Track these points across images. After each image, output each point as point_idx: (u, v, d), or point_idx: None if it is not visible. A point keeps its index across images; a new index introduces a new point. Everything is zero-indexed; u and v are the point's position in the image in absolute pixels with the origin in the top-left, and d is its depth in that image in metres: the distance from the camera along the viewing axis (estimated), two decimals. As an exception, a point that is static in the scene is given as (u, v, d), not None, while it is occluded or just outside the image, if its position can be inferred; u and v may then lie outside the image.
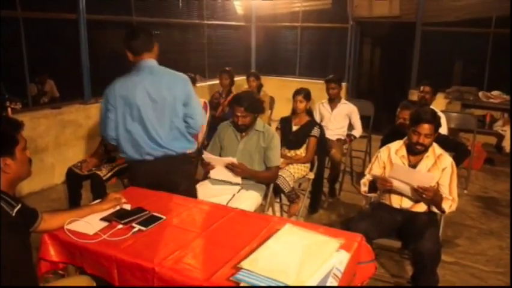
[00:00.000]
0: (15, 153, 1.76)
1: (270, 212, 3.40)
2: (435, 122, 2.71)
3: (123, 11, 5.84)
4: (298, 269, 1.73)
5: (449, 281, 3.14)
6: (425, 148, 2.78)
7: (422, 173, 2.75)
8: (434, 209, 2.83)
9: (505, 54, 6.34)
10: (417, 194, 2.69)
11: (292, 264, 1.77)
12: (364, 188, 3.02)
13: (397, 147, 2.93)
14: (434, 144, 2.84)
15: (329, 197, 4.66)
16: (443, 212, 2.81)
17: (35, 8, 4.72)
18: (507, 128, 5.93)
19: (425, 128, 2.69)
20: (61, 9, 5.02)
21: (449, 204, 2.77)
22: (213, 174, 3.16)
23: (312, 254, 1.84)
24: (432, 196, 2.64)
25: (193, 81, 4.68)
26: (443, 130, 3.91)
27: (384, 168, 2.95)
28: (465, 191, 4.85)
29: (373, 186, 2.93)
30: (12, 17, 4.44)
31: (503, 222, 4.14)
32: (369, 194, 3.04)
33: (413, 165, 2.84)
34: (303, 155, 3.88)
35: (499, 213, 4.36)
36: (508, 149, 5.90)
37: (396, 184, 2.77)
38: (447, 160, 2.81)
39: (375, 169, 2.99)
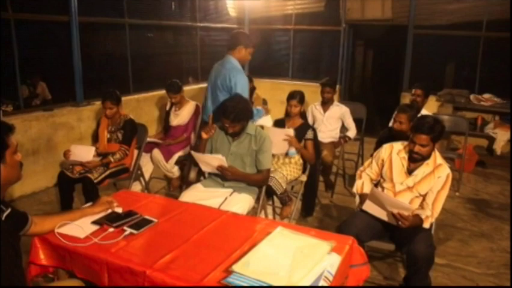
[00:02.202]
0: (5, 157, 1.74)
1: (262, 215, 3.39)
2: (433, 133, 2.68)
3: (115, 13, 5.82)
4: (290, 272, 1.74)
5: (441, 282, 3.16)
6: (422, 157, 2.78)
7: (401, 203, 2.70)
8: None
9: (496, 57, 6.41)
10: (395, 220, 2.67)
11: (283, 267, 1.77)
12: (353, 190, 3.04)
13: (400, 147, 2.94)
14: (437, 154, 2.84)
15: (328, 189, 4.82)
16: None
17: (26, 9, 4.69)
18: (498, 131, 5.97)
19: (421, 138, 2.69)
20: (53, 11, 4.99)
21: (428, 221, 2.75)
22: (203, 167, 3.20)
23: (303, 257, 1.84)
24: (408, 225, 2.64)
25: (178, 88, 4.65)
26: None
27: (383, 165, 2.96)
28: (457, 193, 4.88)
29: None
30: (4, 19, 4.40)
31: (494, 224, 4.17)
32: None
33: (411, 170, 2.84)
34: (300, 160, 3.88)
35: (490, 216, 4.39)
36: (499, 152, 5.94)
37: (374, 209, 2.75)
38: (444, 171, 2.80)
39: (374, 165, 3.01)
